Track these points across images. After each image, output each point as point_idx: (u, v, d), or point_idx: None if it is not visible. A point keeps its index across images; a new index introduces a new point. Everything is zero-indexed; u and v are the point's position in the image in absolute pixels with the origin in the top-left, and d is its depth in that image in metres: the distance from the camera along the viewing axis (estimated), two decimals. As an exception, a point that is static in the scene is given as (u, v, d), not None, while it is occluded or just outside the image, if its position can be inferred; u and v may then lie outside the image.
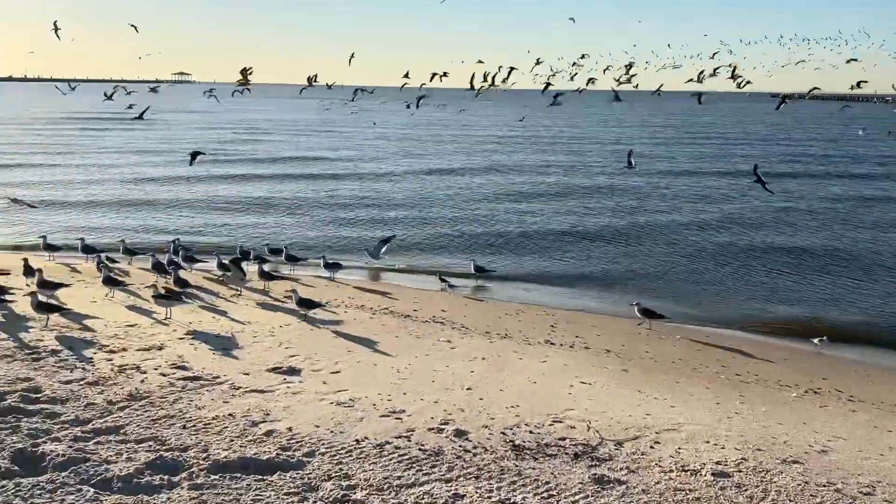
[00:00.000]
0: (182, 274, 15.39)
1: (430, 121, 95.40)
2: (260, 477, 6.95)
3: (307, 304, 13.81)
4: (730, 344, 14.37)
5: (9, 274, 15.14)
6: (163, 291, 13.58)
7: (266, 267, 16.79)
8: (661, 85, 33.39)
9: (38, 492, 6.25)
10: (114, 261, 17.05)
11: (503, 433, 8.64)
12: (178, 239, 18.99)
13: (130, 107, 29.67)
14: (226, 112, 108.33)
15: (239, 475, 6.94)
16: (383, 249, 18.89)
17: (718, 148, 60.30)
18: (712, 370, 12.56)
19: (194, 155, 24.20)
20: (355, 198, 31.93)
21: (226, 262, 16.46)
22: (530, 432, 8.74)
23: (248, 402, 9.07)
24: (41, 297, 12.41)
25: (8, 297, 12.77)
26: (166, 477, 6.73)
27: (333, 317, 14.00)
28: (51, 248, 18.34)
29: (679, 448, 8.59)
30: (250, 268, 16.90)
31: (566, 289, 17.97)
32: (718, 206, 31.06)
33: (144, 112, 26.07)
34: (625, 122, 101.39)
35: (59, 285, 13.89)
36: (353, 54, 34.15)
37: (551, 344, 13.32)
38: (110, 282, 14.56)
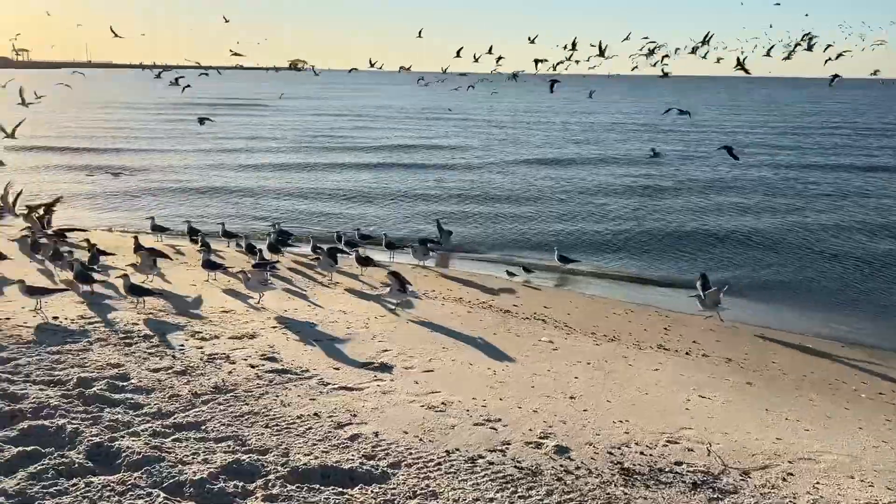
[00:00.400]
0: (265, 255, 15.84)
1: (537, 107, 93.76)
2: (340, 490, 6.35)
3: (400, 281, 13.33)
4: (870, 359, 12.73)
5: (114, 255, 15.38)
6: (249, 274, 13.41)
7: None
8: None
9: (108, 493, 5.89)
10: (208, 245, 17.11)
11: (610, 452, 7.70)
12: (278, 223, 18.99)
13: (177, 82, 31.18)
14: (338, 98, 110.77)
15: (317, 486, 6.37)
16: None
17: (850, 139, 55.68)
18: (851, 387, 11.09)
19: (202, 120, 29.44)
20: (462, 189, 30.56)
21: (321, 246, 16.22)
22: (641, 453, 7.76)
23: (336, 400, 8.55)
24: (133, 280, 12.40)
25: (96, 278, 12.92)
26: (241, 484, 6.25)
27: (430, 309, 13.40)
28: (158, 229, 18.70)
29: (817, 482, 7.39)
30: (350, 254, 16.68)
31: (681, 290, 16.55)
32: (858, 204, 28.12)
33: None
34: (743, 108, 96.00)
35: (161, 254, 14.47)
36: (420, 30, 34.70)
37: (665, 349, 12.16)
38: (210, 265, 14.56)
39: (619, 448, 7.84)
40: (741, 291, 16.32)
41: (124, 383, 8.39)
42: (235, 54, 33.07)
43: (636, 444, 7.99)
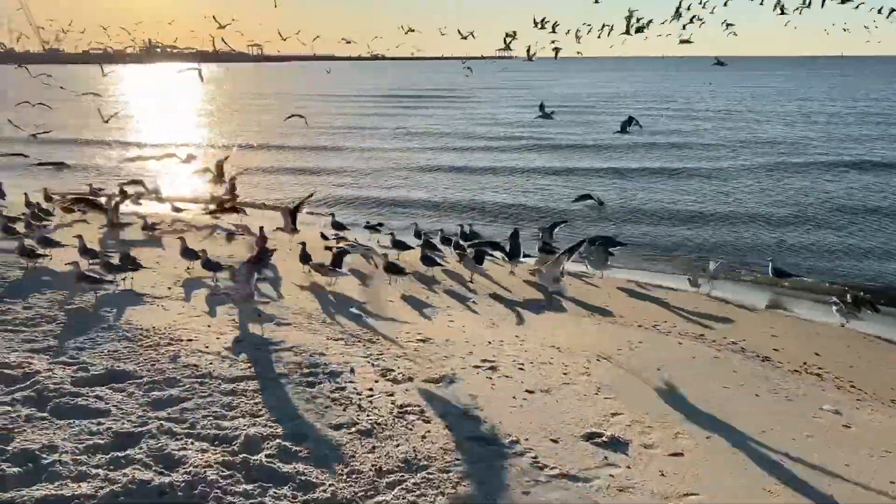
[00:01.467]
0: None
1: (761, 93, 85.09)
2: None
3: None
4: None
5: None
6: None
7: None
8: None
9: None
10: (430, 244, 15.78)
11: None
12: (470, 224, 17.31)
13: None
14: (546, 85, 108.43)
15: None
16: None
17: None
18: None
19: None
20: (705, 200, 25.22)
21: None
22: None
23: (556, 497, 6.39)
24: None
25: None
26: None
27: (664, 350, 10.82)
28: (338, 226, 17.72)
29: None
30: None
31: None
32: None
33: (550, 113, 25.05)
34: None
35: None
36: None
37: None
38: (393, 269, 13.31)
39: None
40: None
41: (298, 447, 6.83)
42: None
43: None
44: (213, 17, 32.00)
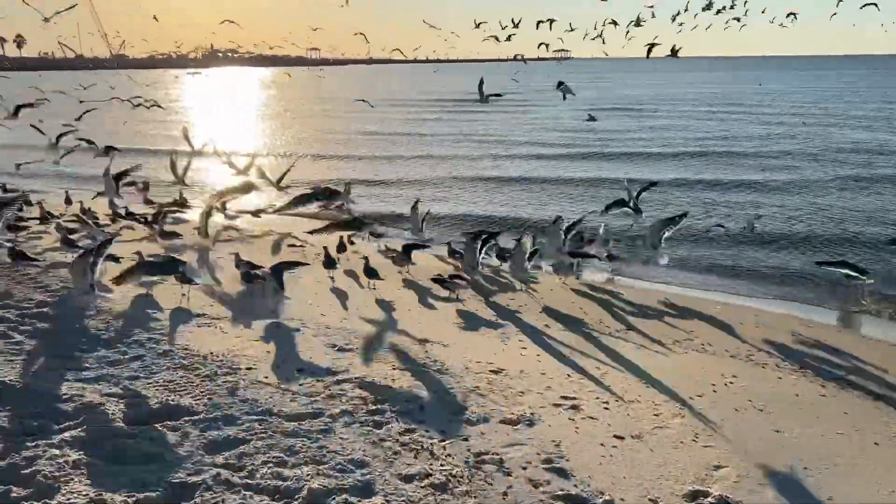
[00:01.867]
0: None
1: (834, 92, 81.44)
2: None
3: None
4: None
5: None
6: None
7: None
8: None
9: None
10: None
11: None
12: (533, 235, 16.44)
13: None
14: (599, 90, 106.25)
15: None
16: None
17: None
18: None
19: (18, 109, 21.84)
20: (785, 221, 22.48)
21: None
22: None
23: (662, 575, 5.52)
24: None
25: None
26: None
27: (763, 386, 9.74)
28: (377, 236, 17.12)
29: None
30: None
31: None
32: None
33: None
34: None
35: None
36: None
37: None
38: (440, 281, 12.85)
39: None
40: None
41: (365, 502, 6.12)
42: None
43: None
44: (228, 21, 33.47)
